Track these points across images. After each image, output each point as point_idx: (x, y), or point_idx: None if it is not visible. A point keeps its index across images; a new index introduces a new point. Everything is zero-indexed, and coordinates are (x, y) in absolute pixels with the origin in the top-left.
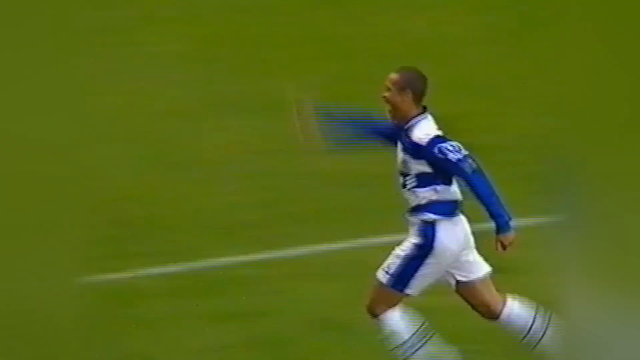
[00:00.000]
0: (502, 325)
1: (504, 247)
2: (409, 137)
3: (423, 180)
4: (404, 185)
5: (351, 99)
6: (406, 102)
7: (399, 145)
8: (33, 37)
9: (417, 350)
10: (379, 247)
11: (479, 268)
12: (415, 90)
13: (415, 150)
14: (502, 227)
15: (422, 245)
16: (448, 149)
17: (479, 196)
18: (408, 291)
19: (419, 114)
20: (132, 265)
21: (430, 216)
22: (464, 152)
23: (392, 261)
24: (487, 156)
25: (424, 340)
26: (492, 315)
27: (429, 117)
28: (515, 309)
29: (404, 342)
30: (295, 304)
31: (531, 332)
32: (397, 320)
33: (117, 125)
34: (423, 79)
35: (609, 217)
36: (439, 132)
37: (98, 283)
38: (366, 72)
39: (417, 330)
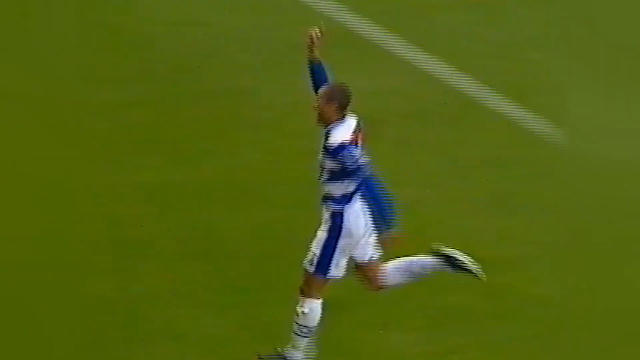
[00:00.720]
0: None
1: (388, 244)
2: (326, 139)
3: (333, 176)
4: (320, 177)
5: None
6: (330, 111)
7: (320, 144)
8: None
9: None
10: None
11: (374, 251)
12: (340, 102)
13: (327, 151)
14: (387, 226)
15: (332, 230)
16: (345, 158)
17: (371, 197)
18: (330, 275)
19: (337, 120)
20: None
21: (338, 208)
22: (359, 161)
23: (313, 252)
24: None
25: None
26: (373, 287)
27: (347, 122)
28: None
29: (310, 327)
30: None
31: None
32: (318, 309)
33: None
34: (347, 93)
35: None
36: (347, 139)
37: None
38: None
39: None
